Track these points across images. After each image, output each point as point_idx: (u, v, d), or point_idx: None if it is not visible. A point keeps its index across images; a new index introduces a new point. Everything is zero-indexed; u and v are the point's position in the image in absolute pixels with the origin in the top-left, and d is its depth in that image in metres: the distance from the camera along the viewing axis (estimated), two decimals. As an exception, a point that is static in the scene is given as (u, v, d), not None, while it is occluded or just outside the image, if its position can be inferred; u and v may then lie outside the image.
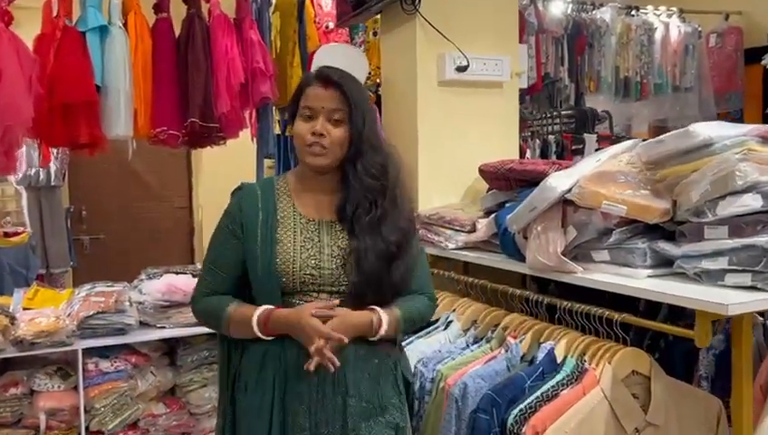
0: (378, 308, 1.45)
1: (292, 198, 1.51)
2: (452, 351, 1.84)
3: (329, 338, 1.35)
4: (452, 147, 2.50)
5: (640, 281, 1.53)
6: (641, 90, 4.43)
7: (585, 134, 3.10)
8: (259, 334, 1.42)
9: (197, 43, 3.02)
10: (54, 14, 2.91)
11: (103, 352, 2.60)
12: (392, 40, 2.62)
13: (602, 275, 1.61)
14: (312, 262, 1.44)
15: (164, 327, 2.63)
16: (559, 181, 1.64)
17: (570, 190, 1.62)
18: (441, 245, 2.21)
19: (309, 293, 1.45)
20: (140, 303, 2.70)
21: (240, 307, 1.46)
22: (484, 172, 2.13)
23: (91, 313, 2.52)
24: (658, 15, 4.53)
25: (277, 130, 3.54)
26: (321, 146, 1.43)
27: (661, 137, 1.54)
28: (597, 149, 3.02)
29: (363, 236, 1.43)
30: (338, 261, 1.44)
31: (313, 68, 2.03)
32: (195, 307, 1.57)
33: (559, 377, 1.51)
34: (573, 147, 3.06)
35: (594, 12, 4.29)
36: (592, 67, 4.25)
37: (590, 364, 1.53)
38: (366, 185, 1.45)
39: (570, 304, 1.67)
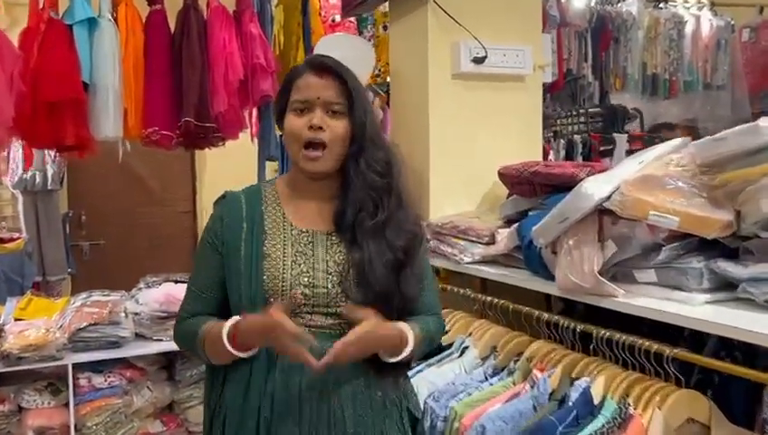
0: (398, 322, 1.28)
1: (282, 206, 1.36)
2: (468, 384, 1.60)
3: (297, 337, 1.18)
4: (467, 147, 2.28)
5: (696, 308, 1.28)
6: (670, 87, 4.24)
7: (615, 134, 2.84)
8: (230, 349, 1.25)
9: (193, 36, 2.87)
10: (41, 6, 2.73)
11: (96, 367, 2.49)
12: (401, 28, 2.39)
13: (648, 301, 1.36)
14: (305, 279, 1.28)
15: (161, 340, 2.53)
16: (596, 187, 1.39)
17: (609, 198, 1.37)
18: (455, 258, 1.97)
19: (300, 315, 1.28)
20: (137, 313, 2.62)
21: (214, 325, 1.29)
22: (505, 176, 1.89)
23: (84, 324, 2.46)
24: (688, 8, 4.32)
25: (280, 131, 3.32)
26: (321, 144, 1.28)
27: (721, 134, 1.28)
28: (628, 151, 2.77)
29: (367, 244, 1.27)
30: (334, 278, 1.29)
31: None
32: (174, 332, 1.42)
33: (597, 423, 1.26)
34: (602, 148, 2.80)
35: (620, 4, 4.09)
36: (618, 63, 4.07)
37: (634, 408, 1.27)
38: (370, 182, 1.30)
39: (608, 333, 1.41)
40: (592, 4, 3.99)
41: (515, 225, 1.79)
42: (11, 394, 2.44)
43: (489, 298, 1.83)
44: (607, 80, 4.01)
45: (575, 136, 2.79)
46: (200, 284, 1.37)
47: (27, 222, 4.26)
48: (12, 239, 4.11)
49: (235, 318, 1.27)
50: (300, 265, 1.29)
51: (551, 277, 1.59)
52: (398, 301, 1.29)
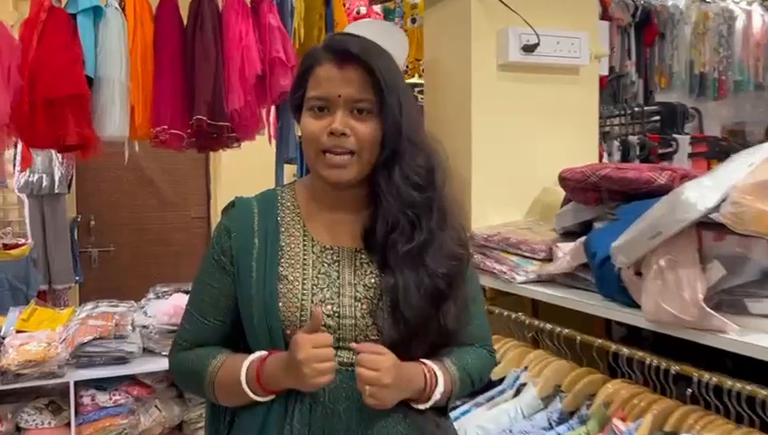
0: (427, 361, 1.09)
1: (302, 217, 1.14)
2: (528, 431, 1.32)
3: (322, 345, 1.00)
4: (514, 148, 2.02)
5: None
6: (719, 88, 3.93)
7: (676, 135, 2.55)
8: (250, 394, 1.05)
9: (207, 28, 2.67)
10: (43, -7, 2.52)
11: (101, 384, 2.36)
12: (439, 15, 2.12)
13: (769, 338, 1.07)
14: (329, 307, 1.07)
15: None
16: (700, 196, 1.12)
17: (717, 208, 1.08)
18: (505, 276, 1.69)
19: None
20: (145, 327, 2.49)
21: (227, 361, 1.09)
22: (568, 180, 1.61)
23: (88, 338, 2.32)
24: (738, 2, 4.03)
25: (299, 132, 3.10)
26: (343, 151, 1.06)
27: None
28: (690, 154, 2.48)
29: (401, 268, 1.06)
30: (363, 306, 1.07)
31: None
32: (170, 363, 1.18)
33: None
34: (661, 150, 2.51)
35: (666, -2, 3.79)
36: (663, 61, 3.78)
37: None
38: (405, 198, 1.07)
39: (715, 379, 1.12)
40: (636, -5, 3.71)
41: (581, 239, 1.52)
42: (8, 413, 2.31)
43: (548, 325, 1.54)
44: (651, 78, 3.73)
45: (631, 137, 2.51)
46: (203, 308, 1.14)
47: (33, 227, 4.11)
48: (17, 245, 3.98)
49: (257, 355, 1.06)
50: (322, 289, 1.08)
51: (632, 304, 1.32)
52: (437, 336, 1.08)
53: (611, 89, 3.55)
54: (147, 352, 2.41)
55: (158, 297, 2.69)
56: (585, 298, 1.47)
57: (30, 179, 4.01)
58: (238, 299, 1.10)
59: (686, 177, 1.50)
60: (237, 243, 1.11)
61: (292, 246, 1.11)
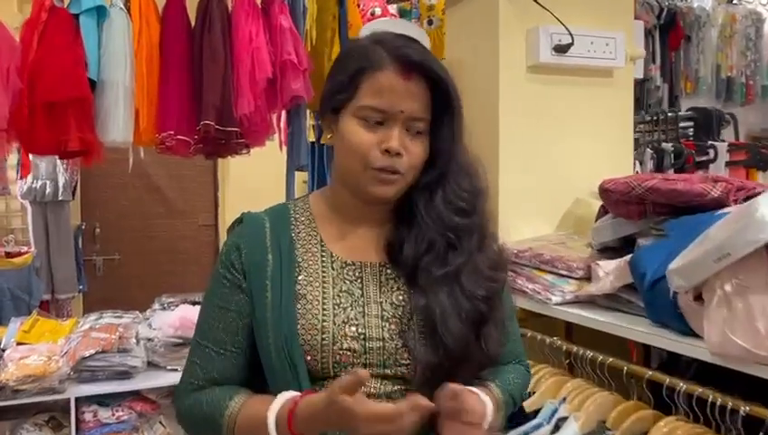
0: (474, 389, 0.99)
1: (319, 231, 1.05)
2: (572, 474, 1.17)
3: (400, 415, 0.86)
4: (544, 156, 1.89)
5: None
6: (746, 92, 3.79)
7: (715, 142, 2.41)
8: None
9: (215, 29, 2.56)
10: (44, -8, 2.42)
11: (103, 400, 2.31)
12: (463, 12, 1.99)
13: None
14: (352, 329, 0.97)
15: (176, 369, 2.31)
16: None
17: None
18: (539, 296, 1.55)
19: None
20: (150, 339, 2.43)
21: (248, 403, 0.98)
22: (610, 192, 1.47)
23: (90, 352, 2.27)
24: (765, 5, 3.86)
25: (311, 138, 3.07)
26: (395, 171, 0.98)
27: None
28: (728, 162, 2.33)
29: (434, 290, 0.98)
30: (392, 326, 0.98)
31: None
32: (178, 408, 1.05)
33: None
34: (699, 158, 2.36)
35: (691, 0, 3.65)
36: (689, 65, 3.63)
37: None
38: (447, 222, 1.00)
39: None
40: (660, -3, 3.57)
41: (626, 258, 1.37)
42: (6, 431, 2.28)
43: (588, 352, 1.40)
44: (676, 83, 3.59)
45: (663, 144, 2.37)
46: (218, 336, 1.01)
47: (36, 235, 4.05)
48: (20, 254, 3.91)
49: (285, 397, 0.93)
50: (345, 308, 0.98)
51: (689, 332, 1.18)
52: (477, 364, 1.00)
53: (635, 94, 3.41)
54: (151, 365, 2.35)
55: (164, 308, 2.63)
56: (632, 323, 1.33)
57: (33, 186, 3.95)
58: (252, 323, 1.00)
59: (741, 189, 1.37)
60: (249, 260, 1.01)
61: (310, 262, 1.02)
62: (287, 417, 0.90)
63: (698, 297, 1.14)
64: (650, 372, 1.25)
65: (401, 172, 0.98)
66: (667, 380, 1.20)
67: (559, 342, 1.51)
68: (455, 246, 0.99)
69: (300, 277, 1.00)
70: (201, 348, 1.03)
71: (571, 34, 1.77)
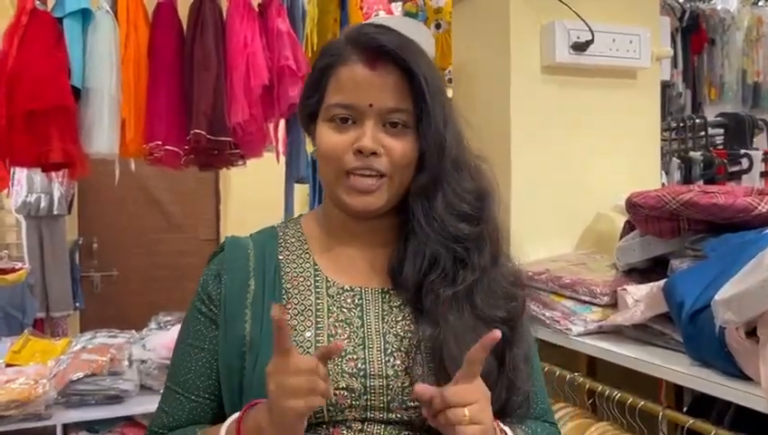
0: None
1: (312, 254, 0.93)
2: None
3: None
4: (562, 166, 1.71)
5: None
6: (774, 99, 3.61)
7: (749, 150, 2.22)
8: None
9: (208, 33, 2.46)
10: (28, -5, 2.32)
11: (93, 426, 2.21)
12: (471, 10, 1.84)
13: None
14: (350, 364, 0.84)
15: None
16: None
17: None
18: (557, 326, 1.37)
19: (345, 423, 0.84)
20: (143, 361, 2.34)
21: (207, 430, 0.88)
22: (639, 207, 1.29)
23: (79, 375, 2.17)
24: (793, 7, 3.68)
25: (312, 148, 2.85)
26: (372, 173, 0.87)
27: None
28: (763, 172, 2.14)
29: (444, 316, 0.84)
30: (396, 361, 0.85)
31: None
32: None
33: None
34: (731, 168, 2.18)
35: (714, 1, 3.49)
36: (713, 70, 3.46)
37: None
38: (450, 231, 0.87)
39: None
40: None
41: (659, 284, 1.19)
42: None
43: (615, 392, 1.21)
44: (700, 89, 3.42)
45: (692, 153, 2.18)
46: (189, 380, 0.90)
47: (30, 251, 3.94)
48: (13, 270, 3.82)
49: (236, 415, 0.83)
50: (343, 340, 0.86)
51: (738, 374, 1.00)
52: (504, 394, 0.85)
53: (656, 100, 3.25)
54: (144, 389, 2.25)
55: (161, 327, 2.60)
56: (667, 361, 1.14)
57: (27, 200, 3.85)
58: (223, 362, 0.87)
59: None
60: (228, 288, 0.90)
61: (301, 288, 0.90)
62: (237, 425, 0.80)
63: (751, 333, 0.95)
64: (692, 421, 1.06)
65: (384, 173, 0.86)
66: (713, 432, 1.01)
67: (581, 378, 1.32)
68: (463, 261, 0.87)
69: (288, 306, 0.88)
70: (171, 393, 0.92)
71: (591, 30, 1.59)
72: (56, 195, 3.86)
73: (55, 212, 3.89)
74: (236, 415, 0.83)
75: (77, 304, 4.13)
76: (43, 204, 3.84)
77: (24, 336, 2.57)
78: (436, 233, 0.87)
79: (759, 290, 0.89)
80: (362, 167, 0.86)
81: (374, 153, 0.85)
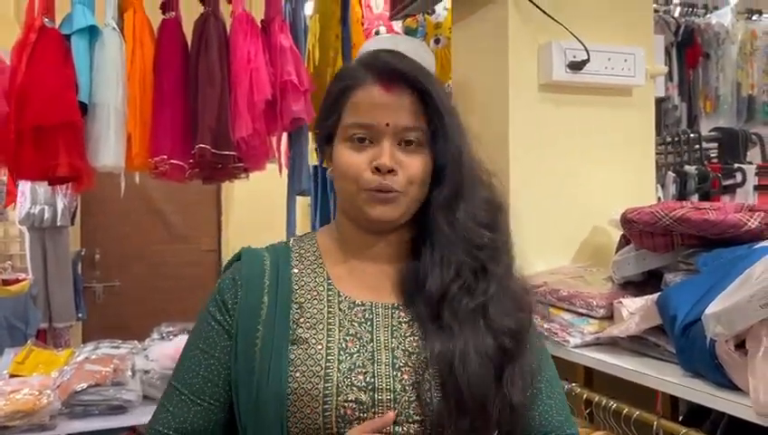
0: None
1: (326, 268, 0.96)
2: None
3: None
4: (559, 181, 1.75)
5: None
6: (769, 111, 3.62)
7: (742, 164, 2.25)
8: None
9: (212, 49, 2.47)
10: (36, 13, 2.34)
11: None
12: (470, 29, 1.87)
13: None
14: (360, 377, 0.86)
15: None
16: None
17: None
18: (555, 338, 1.41)
19: None
20: (146, 371, 2.32)
21: None
22: (634, 223, 1.32)
23: (82, 386, 2.16)
24: (787, 20, 3.71)
25: (314, 161, 2.95)
26: (389, 190, 0.90)
27: None
28: (756, 186, 2.18)
29: (461, 328, 0.87)
30: (404, 376, 0.87)
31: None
32: None
33: None
34: (725, 182, 2.21)
35: (709, 15, 3.51)
36: (708, 83, 3.48)
37: None
38: (475, 240, 0.91)
39: None
40: (676, 14, 3.44)
41: (653, 297, 1.22)
42: None
43: (612, 403, 1.24)
44: (695, 102, 3.44)
45: (686, 167, 2.22)
46: (195, 383, 0.91)
47: (34, 262, 3.96)
48: (17, 281, 3.86)
49: None
50: (352, 354, 0.87)
51: (728, 385, 1.03)
52: (499, 411, 0.85)
53: (652, 114, 3.28)
54: (147, 399, 2.22)
55: (163, 338, 2.57)
56: (661, 372, 1.17)
57: (31, 211, 3.87)
58: (238, 372, 0.89)
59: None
60: (244, 301, 0.92)
61: (314, 302, 0.92)
62: None
63: (740, 346, 0.99)
64: (684, 430, 1.09)
65: (398, 190, 0.90)
66: (707, 441, 1.05)
67: (578, 389, 1.35)
68: (485, 270, 0.90)
69: (302, 320, 0.90)
70: (176, 394, 0.92)
71: (586, 50, 1.63)
72: (59, 206, 3.89)
73: (59, 223, 3.91)
74: None
75: (79, 315, 4.13)
76: (46, 215, 3.86)
77: (27, 347, 2.56)
78: (462, 241, 0.90)
79: (746, 305, 0.92)
80: (381, 185, 0.89)
81: (391, 171, 0.89)
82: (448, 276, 0.89)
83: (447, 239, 0.91)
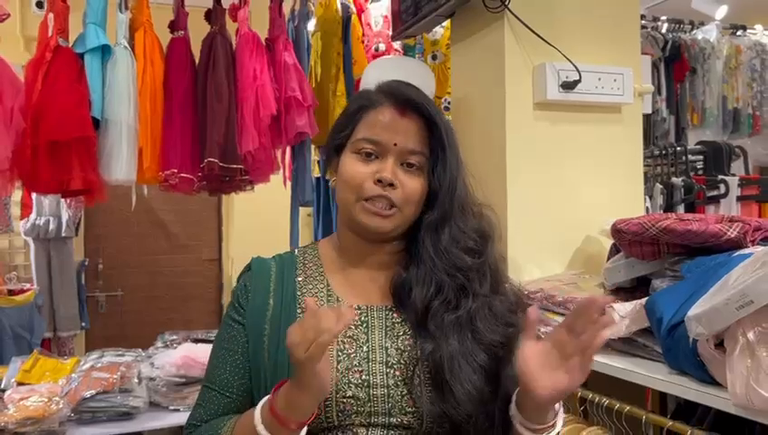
0: None
1: (326, 275, 1.04)
2: None
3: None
4: (553, 193, 1.84)
5: None
6: (753, 123, 3.74)
7: (726, 176, 2.36)
8: None
9: (220, 66, 2.55)
10: (50, 33, 2.42)
11: None
12: (468, 50, 1.97)
13: None
14: (356, 375, 0.94)
15: (178, 410, 2.27)
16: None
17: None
18: (551, 340, 1.48)
19: (351, 427, 0.94)
20: (152, 379, 2.36)
21: (241, 417, 0.95)
22: (623, 233, 1.42)
23: (91, 393, 2.19)
24: (770, 36, 3.84)
25: (316, 173, 3.06)
26: (387, 202, 0.98)
27: None
28: (739, 197, 2.28)
29: (445, 336, 0.94)
30: (396, 373, 0.95)
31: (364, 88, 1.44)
32: None
33: None
34: (709, 193, 2.31)
35: (695, 31, 3.63)
36: (695, 97, 3.58)
37: None
38: (455, 261, 0.98)
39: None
40: (664, 30, 3.56)
41: (642, 301, 1.32)
42: None
43: (604, 399, 1.34)
44: (683, 115, 3.55)
45: (674, 179, 2.32)
46: (224, 379, 0.99)
47: (39, 272, 4.02)
48: (22, 291, 3.86)
49: (267, 398, 0.89)
50: (350, 354, 0.95)
51: (710, 380, 1.13)
52: (494, 413, 0.94)
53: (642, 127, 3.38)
54: (154, 406, 2.28)
55: (167, 346, 2.59)
56: (649, 370, 1.27)
57: (36, 223, 3.93)
58: (251, 367, 0.98)
59: (759, 229, 1.32)
60: (252, 302, 1.01)
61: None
62: (269, 403, 0.86)
63: (719, 345, 1.09)
64: (670, 423, 1.19)
65: (395, 204, 0.97)
66: (689, 432, 1.15)
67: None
68: (465, 290, 0.97)
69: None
70: (207, 390, 1.00)
71: (578, 71, 1.74)
72: (64, 218, 3.94)
73: (63, 234, 3.96)
74: (264, 403, 0.90)
75: (83, 324, 4.17)
76: (51, 226, 3.92)
77: (33, 355, 2.56)
78: (443, 262, 0.98)
79: (724, 307, 1.02)
80: (380, 195, 0.97)
81: (391, 184, 0.97)
82: (430, 293, 0.97)
83: (431, 259, 0.98)
